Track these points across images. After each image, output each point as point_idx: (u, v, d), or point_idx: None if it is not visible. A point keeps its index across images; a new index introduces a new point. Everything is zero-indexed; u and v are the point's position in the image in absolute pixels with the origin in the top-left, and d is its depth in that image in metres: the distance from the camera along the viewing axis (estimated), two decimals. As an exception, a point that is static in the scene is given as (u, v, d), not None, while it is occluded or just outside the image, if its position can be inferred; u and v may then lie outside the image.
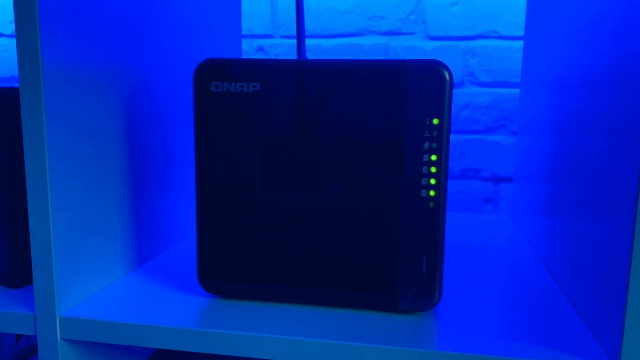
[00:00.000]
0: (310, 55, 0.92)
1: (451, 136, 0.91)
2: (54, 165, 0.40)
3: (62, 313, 0.42)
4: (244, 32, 0.93)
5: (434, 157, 0.40)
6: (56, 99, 0.40)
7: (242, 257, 0.44)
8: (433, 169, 0.40)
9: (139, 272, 0.51)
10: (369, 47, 0.91)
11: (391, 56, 0.91)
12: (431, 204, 0.41)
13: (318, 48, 0.92)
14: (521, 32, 0.87)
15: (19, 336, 0.60)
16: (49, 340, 0.42)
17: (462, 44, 0.89)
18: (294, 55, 0.93)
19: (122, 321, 0.41)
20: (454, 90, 0.90)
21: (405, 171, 0.41)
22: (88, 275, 0.45)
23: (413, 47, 0.90)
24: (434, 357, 0.37)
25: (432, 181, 0.41)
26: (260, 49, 0.94)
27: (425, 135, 0.40)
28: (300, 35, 0.62)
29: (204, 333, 0.40)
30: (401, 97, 0.40)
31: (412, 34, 0.90)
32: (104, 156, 0.46)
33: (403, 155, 0.41)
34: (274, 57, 0.93)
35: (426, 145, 0.40)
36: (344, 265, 0.43)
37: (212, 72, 0.42)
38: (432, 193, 0.41)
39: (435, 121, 0.40)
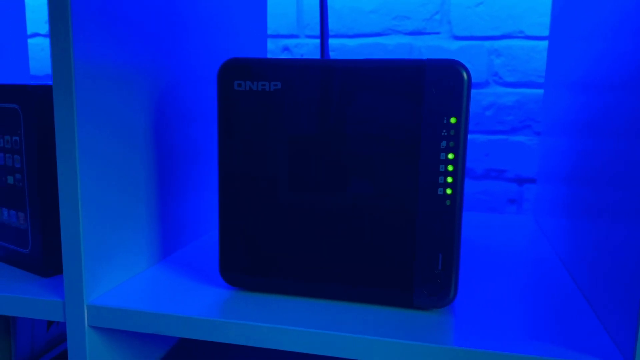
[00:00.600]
0: (334, 55, 0.93)
1: (475, 136, 0.91)
2: (84, 160, 0.42)
3: (89, 301, 0.44)
4: (269, 32, 0.95)
5: (451, 156, 0.41)
6: (87, 96, 0.42)
7: (262, 251, 0.45)
8: (450, 168, 0.41)
9: (164, 264, 0.53)
10: (393, 47, 0.92)
11: (415, 56, 0.91)
12: (448, 202, 0.41)
13: (342, 48, 0.93)
14: (547, 32, 0.86)
15: (49, 323, 0.62)
16: (77, 327, 0.44)
17: (487, 43, 0.89)
18: (318, 55, 0.94)
19: (147, 310, 0.42)
20: (478, 90, 0.90)
21: (422, 169, 0.41)
22: (115, 266, 0.47)
23: (438, 46, 0.91)
24: (448, 353, 0.38)
25: (449, 179, 0.41)
26: (286, 48, 0.95)
27: (442, 133, 0.41)
28: (324, 35, 0.63)
29: (224, 323, 0.41)
30: (419, 96, 0.41)
31: (437, 33, 0.90)
32: (132, 152, 0.48)
33: (420, 153, 0.41)
34: (299, 57, 0.94)
35: (443, 143, 0.41)
36: (360, 261, 0.44)
37: (235, 71, 0.43)
38: (448, 191, 0.41)
39: (453, 120, 0.40)
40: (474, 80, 0.90)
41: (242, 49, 0.72)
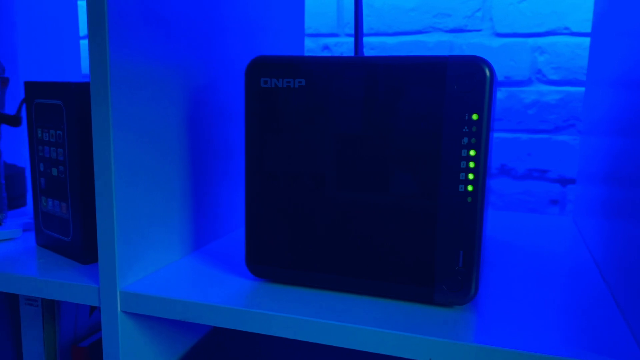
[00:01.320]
0: (374, 53, 0.94)
1: (517, 135, 0.89)
2: (119, 154, 0.44)
3: (122, 287, 0.46)
4: (309, 31, 0.96)
5: (472, 153, 0.41)
6: (122, 93, 0.44)
7: (286, 244, 0.46)
8: (471, 164, 0.41)
9: (197, 254, 0.55)
10: (433, 45, 0.91)
11: (456, 54, 0.90)
12: (469, 199, 0.41)
13: (382, 45, 0.93)
14: (593, 29, 0.84)
15: (92, 310, 0.66)
16: (111, 311, 0.46)
17: (530, 40, 0.87)
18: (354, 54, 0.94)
19: (173, 297, 0.44)
20: (521, 88, 0.88)
21: (444, 166, 0.41)
22: (148, 255, 0.49)
23: (479, 44, 0.89)
24: (465, 349, 0.38)
25: (470, 176, 0.41)
26: (326, 47, 0.96)
27: (464, 130, 0.41)
28: (358, 33, 0.63)
29: (243, 312, 0.43)
30: (441, 92, 0.41)
31: (479, 30, 0.89)
32: (167, 147, 0.50)
33: (442, 149, 0.41)
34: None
35: (465, 140, 0.41)
36: (382, 255, 0.44)
37: (261, 68, 0.45)
38: (470, 188, 0.41)
39: (475, 117, 0.40)
40: (516, 78, 0.88)
41: (279, 47, 0.74)
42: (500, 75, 0.89)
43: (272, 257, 0.47)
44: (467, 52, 0.90)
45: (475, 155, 0.41)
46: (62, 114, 0.50)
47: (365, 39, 0.94)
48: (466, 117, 0.41)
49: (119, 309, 0.46)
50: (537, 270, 0.53)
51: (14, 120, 0.57)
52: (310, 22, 0.96)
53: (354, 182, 0.44)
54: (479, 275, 0.42)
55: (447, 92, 0.41)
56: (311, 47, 0.97)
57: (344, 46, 0.95)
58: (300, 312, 0.42)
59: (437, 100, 0.41)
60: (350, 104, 0.43)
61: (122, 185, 0.45)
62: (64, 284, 0.47)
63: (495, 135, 0.90)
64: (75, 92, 0.49)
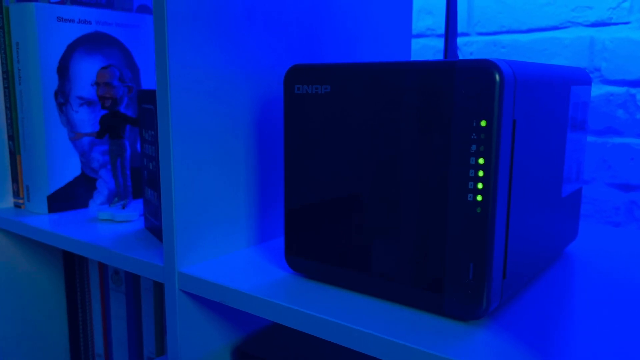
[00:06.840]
0: (505, 52, 0.88)
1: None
2: (178, 155, 0.51)
3: (180, 269, 0.53)
4: (440, 30, 0.94)
5: (481, 161, 0.38)
6: (182, 96, 0.50)
7: (317, 241, 0.48)
8: (480, 173, 0.39)
9: (259, 247, 0.60)
10: (570, 41, 0.83)
11: (597, 50, 0.81)
12: (478, 210, 0.39)
13: (514, 44, 0.88)
14: None
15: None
16: (171, 288, 0.53)
17: (689, 32, 0.74)
18: (488, 53, 0.90)
19: (214, 281, 0.49)
20: (676, 88, 0.76)
21: (452, 174, 0.40)
22: (209, 243, 0.55)
23: (626, 39, 0.79)
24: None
25: (480, 186, 0.39)
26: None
27: (472, 137, 0.39)
28: (449, 32, 0.62)
29: (261, 300, 0.46)
30: (449, 98, 0.39)
31: (626, 23, 0.79)
32: (233, 150, 0.55)
33: (451, 157, 0.40)
34: (467, 56, 0.92)
35: (473, 148, 0.39)
36: (399, 261, 0.44)
37: (295, 75, 0.47)
38: (479, 198, 0.39)
39: (483, 123, 0.38)
40: (668, 76, 0.76)
41: (383, 50, 0.75)
42: (650, 73, 0.78)
43: (305, 252, 0.49)
44: (611, 48, 0.80)
45: (485, 163, 0.38)
46: (154, 116, 0.58)
47: (496, 37, 0.89)
48: (474, 124, 0.38)
49: (177, 287, 0.53)
50: (611, 300, 0.47)
51: (135, 122, 0.68)
52: (441, 22, 0.94)
53: (373, 185, 0.44)
54: (491, 290, 0.40)
55: (456, 97, 0.39)
56: (441, 48, 0.95)
57: (473, 45, 0.92)
58: (309, 306, 0.44)
59: (446, 106, 0.40)
60: (367, 109, 0.44)
61: (182, 182, 0.51)
62: (140, 260, 0.56)
63: (643, 141, 0.79)
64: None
